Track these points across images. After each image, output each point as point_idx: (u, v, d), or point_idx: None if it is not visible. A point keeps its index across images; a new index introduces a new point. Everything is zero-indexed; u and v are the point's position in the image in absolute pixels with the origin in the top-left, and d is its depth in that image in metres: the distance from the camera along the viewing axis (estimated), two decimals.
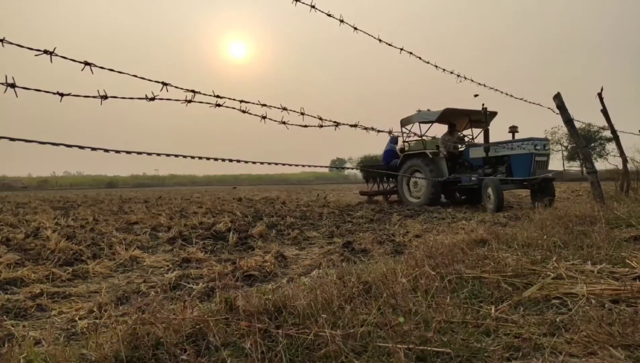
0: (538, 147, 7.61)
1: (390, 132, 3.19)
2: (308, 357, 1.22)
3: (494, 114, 8.97)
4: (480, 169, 8.39)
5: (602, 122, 6.38)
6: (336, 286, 1.74)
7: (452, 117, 9.33)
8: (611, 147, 37.08)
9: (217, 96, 2.18)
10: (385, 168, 10.10)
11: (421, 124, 9.46)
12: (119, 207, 10.08)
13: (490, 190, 7.19)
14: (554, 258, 2.11)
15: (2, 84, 1.49)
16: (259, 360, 1.17)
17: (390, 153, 10.32)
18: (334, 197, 13.26)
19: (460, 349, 1.22)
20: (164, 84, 1.92)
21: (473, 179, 8.16)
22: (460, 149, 9.03)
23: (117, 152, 1.83)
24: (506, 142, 8.03)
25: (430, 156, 8.81)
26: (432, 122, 9.25)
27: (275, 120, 2.39)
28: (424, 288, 1.72)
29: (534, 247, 2.54)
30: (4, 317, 2.03)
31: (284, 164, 2.54)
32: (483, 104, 8.10)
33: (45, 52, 1.60)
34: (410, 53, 3.77)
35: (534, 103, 6.65)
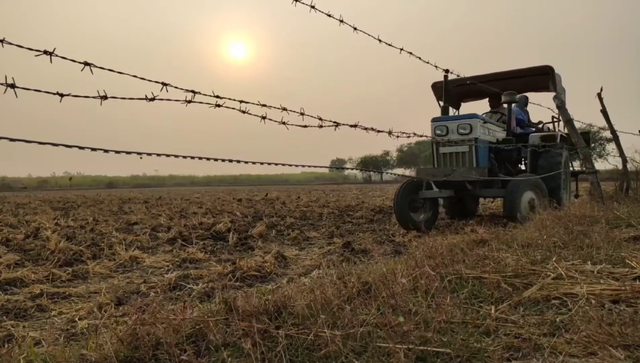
0: (438, 132, 4.67)
1: (390, 133, 3.17)
2: (308, 358, 1.21)
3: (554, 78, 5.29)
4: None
5: (602, 122, 6.38)
6: (336, 286, 1.74)
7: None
8: (611, 147, 37.07)
9: (217, 96, 2.17)
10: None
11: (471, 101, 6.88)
12: (118, 207, 10.07)
13: None
14: (554, 259, 2.10)
15: (2, 84, 1.49)
16: (259, 360, 1.17)
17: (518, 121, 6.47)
18: (334, 197, 13.26)
19: (460, 349, 1.22)
20: (164, 84, 1.92)
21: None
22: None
23: (117, 152, 1.83)
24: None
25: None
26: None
27: (275, 121, 2.38)
28: (424, 288, 1.72)
29: (533, 247, 2.53)
30: (4, 317, 2.03)
31: (283, 164, 2.54)
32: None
33: (45, 52, 1.60)
34: (410, 53, 3.77)
35: (533, 103, 6.66)
